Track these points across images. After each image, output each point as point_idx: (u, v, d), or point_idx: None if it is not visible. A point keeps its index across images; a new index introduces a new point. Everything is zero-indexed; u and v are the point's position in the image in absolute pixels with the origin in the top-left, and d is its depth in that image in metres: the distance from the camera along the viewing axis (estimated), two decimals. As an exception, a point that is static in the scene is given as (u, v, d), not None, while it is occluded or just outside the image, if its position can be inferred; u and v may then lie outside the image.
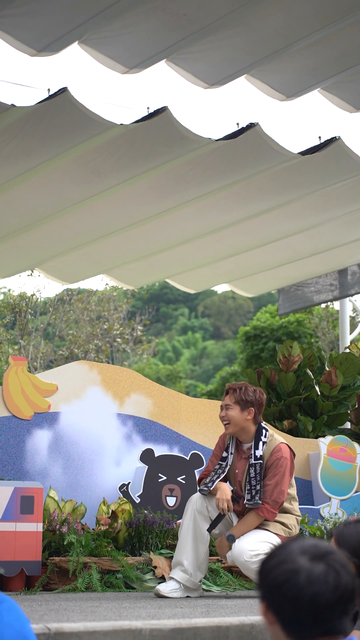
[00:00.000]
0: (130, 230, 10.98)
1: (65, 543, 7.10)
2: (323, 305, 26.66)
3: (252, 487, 6.53)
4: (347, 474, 9.16)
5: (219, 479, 6.67)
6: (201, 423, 8.67)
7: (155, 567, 7.32)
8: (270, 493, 6.53)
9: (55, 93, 8.04)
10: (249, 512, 6.58)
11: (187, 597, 6.57)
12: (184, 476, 8.06)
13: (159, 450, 8.11)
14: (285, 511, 6.69)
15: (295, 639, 2.42)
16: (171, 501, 8.04)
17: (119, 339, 27.32)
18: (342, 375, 10.12)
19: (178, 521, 7.73)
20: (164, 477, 8.03)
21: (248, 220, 10.89)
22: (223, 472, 6.68)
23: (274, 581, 2.44)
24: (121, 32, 7.80)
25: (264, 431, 6.66)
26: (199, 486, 6.79)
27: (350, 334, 14.80)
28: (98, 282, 51.08)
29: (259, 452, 6.59)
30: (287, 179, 9.89)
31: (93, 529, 7.46)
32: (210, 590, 7.20)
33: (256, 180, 9.83)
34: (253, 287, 13.75)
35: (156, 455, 8.04)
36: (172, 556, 7.25)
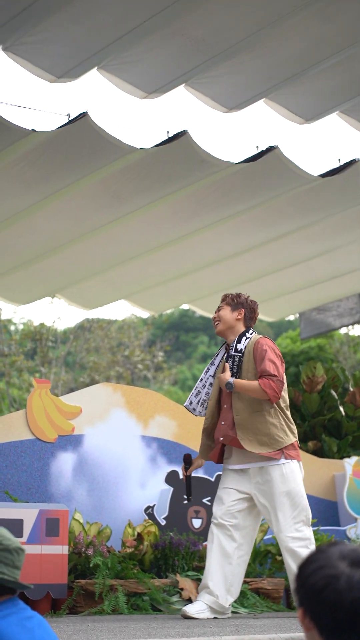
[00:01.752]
0: (150, 255, 11.01)
1: (91, 565, 7.08)
2: (344, 330, 26.63)
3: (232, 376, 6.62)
4: (373, 495, 9.12)
5: (198, 400, 6.80)
6: (225, 445, 8.65)
7: (182, 589, 7.28)
8: (263, 370, 6.49)
9: (75, 118, 8.10)
10: None
11: (215, 618, 6.53)
12: (209, 498, 8.03)
13: (184, 472, 8.10)
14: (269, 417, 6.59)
15: (332, 645, 2.40)
16: (197, 523, 8.02)
17: (140, 365, 27.32)
18: (366, 396, 10.10)
19: (204, 543, 7.70)
20: (189, 499, 8.01)
21: (268, 243, 10.91)
22: (204, 387, 6.80)
23: (313, 586, 2.40)
24: (140, 58, 7.87)
25: (250, 330, 6.76)
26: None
27: (372, 357, 14.79)
28: (119, 311, 51.15)
29: (240, 346, 6.64)
30: (307, 201, 9.91)
31: (119, 552, 7.42)
32: (237, 612, 7.16)
33: (276, 203, 9.86)
34: (274, 311, 13.74)
35: (181, 477, 8.02)
36: (199, 578, 7.24)
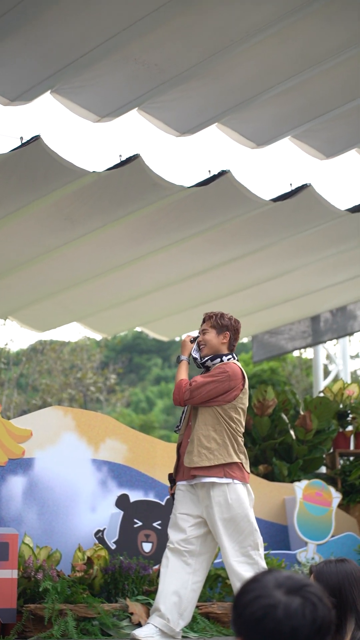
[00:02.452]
0: (103, 277, 11.01)
1: (40, 590, 7.03)
2: (296, 353, 26.73)
3: None
4: (323, 519, 9.15)
5: (181, 417, 6.81)
6: (176, 468, 8.64)
7: (131, 613, 7.25)
8: (194, 377, 6.61)
9: (28, 141, 8.09)
10: None
11: (164, 642, 6.51)
12: (159, 522, 8.02)
13: (135, 496, 8.08)
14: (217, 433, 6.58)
15: (274, 674, 2.40)
16: (147, 547, 8.00)
17: (92, 388, 27.26)
18: (316, 419, 10.14)
19: (154, 567, 7.69)
20: (140, 523, 7.99)
21: (221, 266, 10.94)
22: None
23: (251, 616, 2.40)
24: (93, 82, 7.88)
25: (229, 356, 6.74)
26: None
27: (324, 380, 14.85)
28: (72, 333, 51.03)
29: (209, 363, 6.71)
30: (259, 225, 9.95)
31: (69, 576, 7.39)
32: (187, 637, 7.14)
33: (229, 226, 9.90)
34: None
35: (132, 500, 8.01)
36: (149, 602, 7.21)
